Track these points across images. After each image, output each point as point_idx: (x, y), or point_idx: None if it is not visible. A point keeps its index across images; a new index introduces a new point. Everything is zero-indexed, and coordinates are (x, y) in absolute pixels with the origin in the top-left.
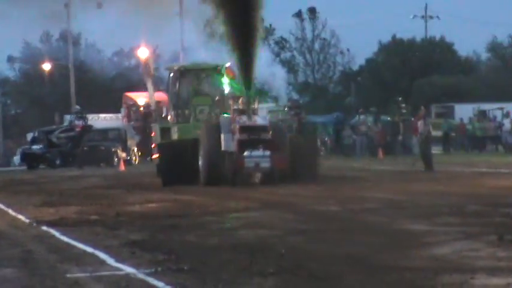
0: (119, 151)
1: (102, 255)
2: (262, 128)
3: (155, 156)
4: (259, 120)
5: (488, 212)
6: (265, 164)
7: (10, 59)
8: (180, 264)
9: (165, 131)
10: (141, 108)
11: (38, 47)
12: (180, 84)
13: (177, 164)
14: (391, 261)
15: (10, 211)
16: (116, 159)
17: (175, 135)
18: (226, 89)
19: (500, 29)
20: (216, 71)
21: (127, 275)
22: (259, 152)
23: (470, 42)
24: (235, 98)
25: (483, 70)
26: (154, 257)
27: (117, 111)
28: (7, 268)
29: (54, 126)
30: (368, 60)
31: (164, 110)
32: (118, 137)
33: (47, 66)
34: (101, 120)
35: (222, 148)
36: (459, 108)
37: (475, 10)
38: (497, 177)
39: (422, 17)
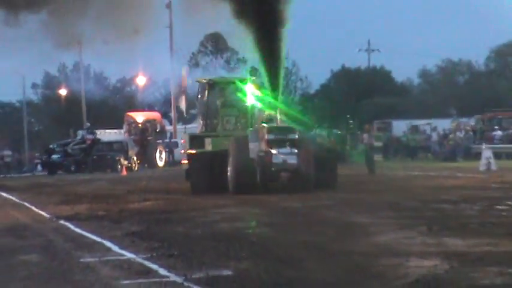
0: (121, 159)
1: (108, 244)
2: (289, 129)
3: (184, 162)
4: (284, 124)
5: (419, 207)
6: (292, 161)
7: (34, 86)
8: (171, 251)
9: (193, 139)
10: (139, 125)
11: (56, 76)
12: (209, 95)
13: (207, 174)
14: (342, 247)
15: (34, 208)
16: (119, 166)
17: (208, 147)
18: (251, 100)
19: (429, 59)
20: (242, 83)
21: (128, 259)
22: (286, 149)
23: (404, 70)
24: (263, 111)
25: (415, 93)
26: (150, 245)
27: (120, 127)
28: (32, 254)
29: (69, 140)
30: (322, 86)
31: (158, 126)
32: (121, 148)
33: (63, 92)
34: (107, 134)
35: (251, 155)
36: (396, 124)
37: (408, 43)
38: (427, 179)
39: (366, 50)
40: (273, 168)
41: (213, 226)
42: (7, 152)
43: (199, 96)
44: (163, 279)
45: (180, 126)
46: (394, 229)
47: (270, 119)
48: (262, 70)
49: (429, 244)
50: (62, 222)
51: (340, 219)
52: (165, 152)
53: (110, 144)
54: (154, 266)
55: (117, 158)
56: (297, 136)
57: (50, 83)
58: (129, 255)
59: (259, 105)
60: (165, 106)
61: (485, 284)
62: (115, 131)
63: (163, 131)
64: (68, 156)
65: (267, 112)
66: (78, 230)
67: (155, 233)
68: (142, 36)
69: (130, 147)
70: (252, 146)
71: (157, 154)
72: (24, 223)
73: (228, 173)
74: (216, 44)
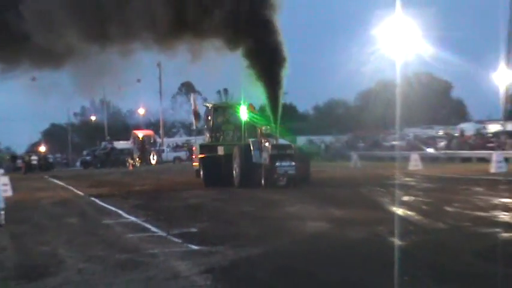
0: (129, 160)
1: (120, 212)
2: (288, 146)
3: (195, 164)
4: (283, 141)
5: (315, 189)
6: (291, 171)
7: (75, 114)
8: (159, 216)
9: (202, 147)
10: (140, 138)
11: (88, 107)
12: (214, 116)
13: (216, 172)
14: (265, 214)
15: (74, 189)
16: (127, 164)
17: (220, 151)
18: (245, 119)
19: (320, 97)
20: (237, 107)
21: (132, 221)
22: (287, 163)
23: (303, 105)
24: (263, 126)
25: (311, 119)
26: (146, 213)
27: (128, 139)
28: (72, 218)
29: (96, 147)
30: None
31: (152, 139)
32: (128, 152)
33: (92, 117)
34: (120, 144)
35: (253, 160)
36: (299, 138)
37: (306, 86)
38: (320, 172)
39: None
40: (275, 176)
41: (185, 201)
42: (58, 155)
43: (207, 116)
44: (154, 234)
45: (165, 139)
46: (297, 204)
47: (268, 134)
48: (266, 102)
49: (319, 213)
50: (91, 198)
51: (264, 197)
52: (156, 155)
53: (121, 150)
54: (148, 226)
55: (126, 159)
56: (293, 152)
57: (84, 112)
58: (133, 219)
59: (249, 122)
60: (155, 127)
61: (352, 236)
62: (125, 142)
63: (155, 142)
64: (95, 158)
65: (265, 128)
66: (101, 203)
67: (149, 206)
68: (141, 84)
69: (134, 152)
70: (253, 153)
71: (151, 156)
72: (68, 198)
73: (234, 173)
74: (187, 88)
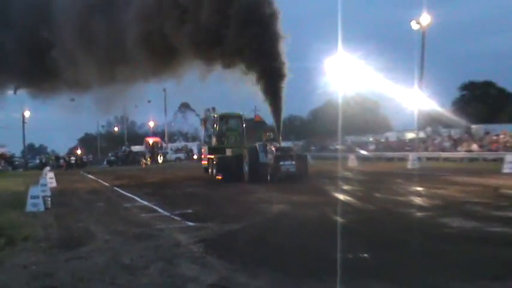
0: (142, 159)
1: (136, 198)
2: (289, 149)
3: (204, 162)
4: (284, 144)
5: (284, 182)
6: (292, 169)
7: (103, 126)
8: (164, 201)
9: (210, 149)
10: (150, 144)
11: (112, 121)
12: (219, 123)
13: (228, 169)
14: (242, 198)
15: (102, 181)
16: (141, 163)
17: (228, 153)
18: (244, 126)
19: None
20: (239, 116)
21: (145, 205)
22: (289, 162)
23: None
24: (267, 131)
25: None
26: (155, 198)
27: (141, 144)
28: (100, 202)
29: (118, 150)
30: None
31: (159, 144)
32: (142, 154)
33: (116, 128)
34: (136, 148)
35: (260, 160)
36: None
37: None
38: None
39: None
40: (279, 175)
41: (184, 190)
42: (90, 156)
43: (214, 123)
44: (161, 214)
45: (169, 144)
46: (269, 191)
47: (272, 138)
48: (272, 113)
49: (282, 198)
50: (114, 188)
51: (245, 188)
52: (162, 156)
53: (137, 152)
54: (156, 208)
55: (140, 159)
56: (293, 153)
57: (110, 124)
58: (145, 203)
59: (268, 128)
60: (161, 135)
61: (306, 213)
62: (139, 146)
63: (161, 146)
64: (117, 158)
65: (269, 133)
66: (122, 191)
67: (157, 193)
68: (152, 103)
69: (146, 154)
70: (260, 154)
71: (159, 157)
72: (97, 188)
73: (244, 171)
74: (185, 107)
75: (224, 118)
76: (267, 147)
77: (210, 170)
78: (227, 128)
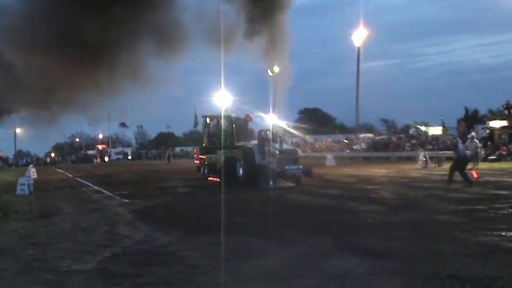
0: (94, 159)
1: (90, 184)
2: (293, 151)
3: (196, 162)
4: (286, 146)
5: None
6: (299, 174)
7: (68, 137)
8: (109, 186)
9: (202, 149)
10: (99, 149)
11: (74, 134)
12: (210, 124)
13: (220, 171)
14: (163, 185)
15: (67, 174)
16: (94, 161)
17: (220, 154)
18: (233, 127)
19: None
20: (228, 118)
21: (95, 189)
22: (295, 166)
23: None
24: (265, 132)
25: None
26: (102, 184)
27: (94, 149)
28: (67, 188)
29: (78, 153)
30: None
31: (105, 149)
32: (94, 156)
33: (77, 139)
34: (90, 151)
35: (256, 162)
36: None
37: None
38: None
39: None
40: (286, 179)
41: (122, 179)
42: (59, 157)
43: (205, 125)
44: (106, 195)
45: (112, 149)
46: (243, 191)
47: (275, 138)
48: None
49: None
50: (76, 178)
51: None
52: (107, 156)
53: (91, 154)
54: (103, 190)
55: (93, 159)
56: (298, 156)
57: (73, 136)
58: (96, 187)
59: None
60: (107, 143)
61: (298, 200)
62: (92, 150)
63: (107, 150)
64: (78, 158)
65: (264, 132)
66: (81, 180)
67: (104, 181)
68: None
69: (97, 155)
70: (256, 156)
71: (105, 158)
72: (64, 178)
73: (240, 172)
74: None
75: (214, 118)
76: (266, 149)
77: (202, 170)
78: (218, 128)
